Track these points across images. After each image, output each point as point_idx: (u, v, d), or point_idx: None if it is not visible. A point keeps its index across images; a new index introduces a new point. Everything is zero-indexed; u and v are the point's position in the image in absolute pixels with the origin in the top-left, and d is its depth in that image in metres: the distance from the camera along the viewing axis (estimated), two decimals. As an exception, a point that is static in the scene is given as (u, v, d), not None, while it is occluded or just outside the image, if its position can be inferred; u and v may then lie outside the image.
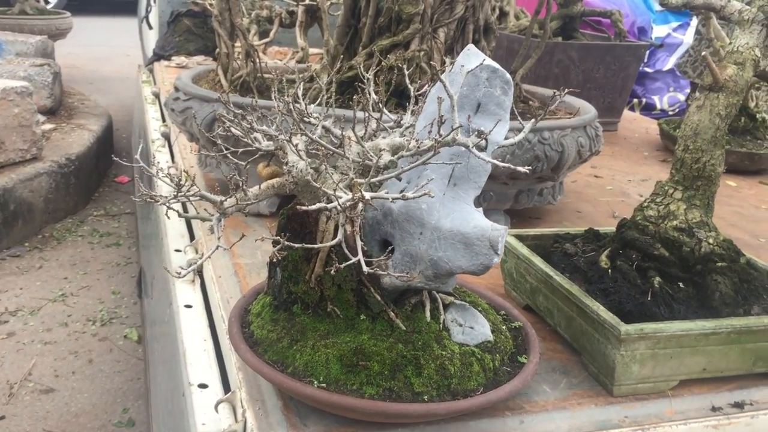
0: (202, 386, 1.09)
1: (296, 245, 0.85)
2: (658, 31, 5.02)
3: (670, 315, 1.07)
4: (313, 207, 0.80)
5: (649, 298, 1.10)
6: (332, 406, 0.87)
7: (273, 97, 0.98)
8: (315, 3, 3.05)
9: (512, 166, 0.86)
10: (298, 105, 0.96)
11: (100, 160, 4.06)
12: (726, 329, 1.03)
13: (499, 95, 0.94)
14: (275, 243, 0.85)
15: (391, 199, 0.80)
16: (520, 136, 0.91)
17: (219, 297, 1.27)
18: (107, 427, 2.19)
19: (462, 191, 0.94)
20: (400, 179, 0.92)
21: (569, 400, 1.01)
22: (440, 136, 0.84)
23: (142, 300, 2.58)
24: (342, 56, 1.76)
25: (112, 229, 3.64)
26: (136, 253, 3.27)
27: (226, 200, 0.87)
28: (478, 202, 0.96)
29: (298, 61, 3.11)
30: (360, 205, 0.84)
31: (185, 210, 1.61)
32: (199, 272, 1.45)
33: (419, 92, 1.01)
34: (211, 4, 2.41)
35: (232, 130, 0.96)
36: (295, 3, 3.18)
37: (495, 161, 0.86)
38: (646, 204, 1.22)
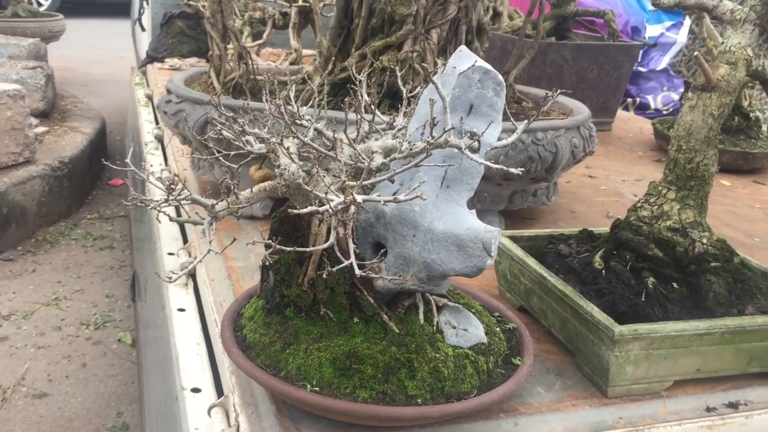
0: (195, 390, 1.09)
1: (288, 248, 0.85)
2: (652, 31, 5.03)
3: (664, 315, 1.07)
4: (305, 210, 0.79)
5: (643, 299, 1.09)
6: (325, 410, 0.86)
7: (264, 100, 0.97)
8: (308, 4, 3.05)
9: (505, 168, 0.86)
10: (289, 107, 0.95)
11: (94, 162, 4.04)
12: (720, 329, 1.02)
13: (492, 96, 0.93)
14: (267, 246, 0.85)
15: (383, 202, 0.80)
16: (513, 137, 0.91)
17: (212, 300, 1.27)
18: (101, 432, 2.18)
19: (455, 193, 0.94)
20: (392, 181, 0.91)
21: (564, 401, 1.01)
22: (432, 137, 0.83)
23: (136, 303, 2.57)
24: (335, 58, 1.75)
25: (106, 232, 3.63)
26: (130, 256, 3.26)
27: (217, 204, 0.86)
28: (471, 204, 0.96)
29: (292, 63, 3.11)
30: (352, 208, 0.83)
31: (178, 213, 1.60)
32: (192, 275, 1.44)
33: (412, 94, 1.01)
34: (203, 6, 2.40)
35: (224, 132, 0.95)
36: (288, 4, 3.17)
37: (488, 163, 0.86)
38: (639, 204, 1.22)
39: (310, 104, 1.03)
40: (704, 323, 1.02)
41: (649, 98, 4.98)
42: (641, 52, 4.76)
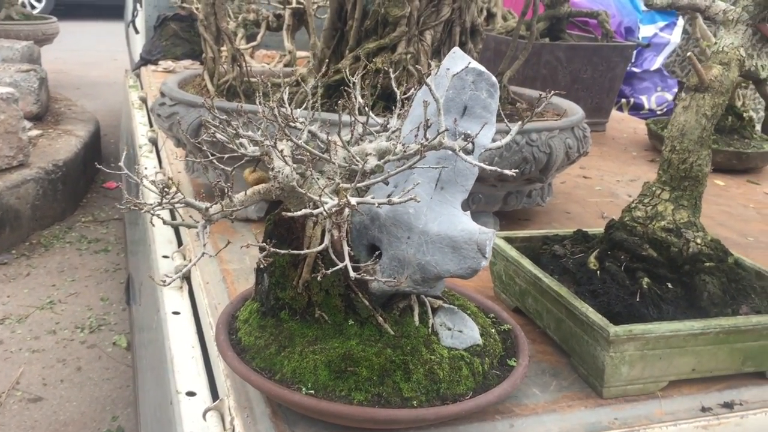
0: (190, 394, 1.08)
1: (283, 251, 0.84)
2: (645, 31, 5.04)
3: (659, 316, 1.07)
4: (299, 213, 0.79)
5: (637, 299, 1.09)
6: (321, 412, 0.86)
7: (258, 102, 0.97)
8: (302, 6, 3.04)
9: (499, 169, 0.86)
10: (283, 110, 0.95)
11: (88, 165, 4.03)
12: (714, 329, 1.03)
13: (485, 98, 0.93)
14: (262, 249, 0.85)
15: (377, 204, 0.80)
16: (507, 138, 0.91)
17: (207, 303, 1.26)
18: (97, 436, 2.17)
19: (449, 195, 0.93)
20: (387, 183, 0.91)
21: (559, 402, 1.01)
22: (426, 139, 0.83)
23: (131, 306, 2.56)
24: (328, 59, 1.75)
25: (101, 235, 3.62)
26: (125, 259, 3.25)
27: (211, 207, 0.86)
28: (466, 205, 0.96)
29: (286, 65, 3.11)
30: (346, 211, 0.83)
31: (173, 216, 1.60)
32: (187, 278, 1.44)
33: (406, 95, 1.01)
34: (197, 8, 2.40)
35: (218, 135, 0.95)
36: (282, 6, 3.17)
37: (482, 164, 0.86)
38: (633, 205, 1.22)
39: (303, 106, 1.03)
40: (699, 323, 1.03)
41: (643, 98, 5.00)
42: (635, 52, 4.77)
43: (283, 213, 0.87)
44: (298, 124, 0.96)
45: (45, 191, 3.47)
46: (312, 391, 0.86)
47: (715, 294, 1.11)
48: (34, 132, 3.88)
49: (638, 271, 1.15)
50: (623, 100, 4.97)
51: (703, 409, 1.02)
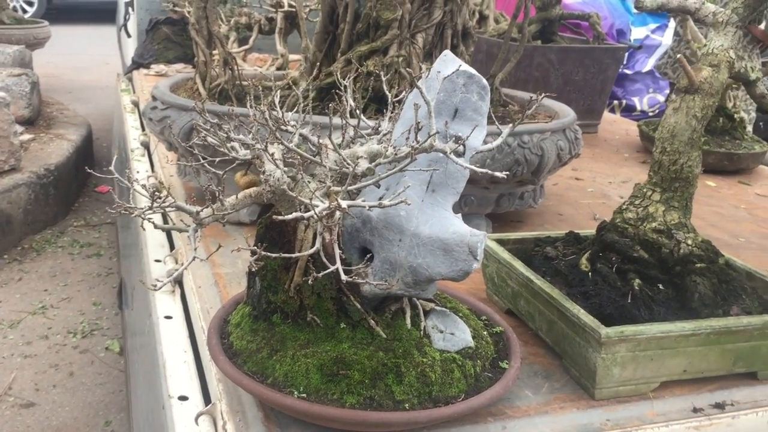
0: (182, 398, 1.08)
1: (273, 255, 0.84)
2: (637, 33, 5.06)
3: (650, 317, 1.08)
4: (289, 216, 0.79)
5: (629, 301, 1.10)
6: (313, 416, 0.86)
7: (248, 106, 0.97)
8: (294, 9, 3.05)
9: (490, 172, 0.86)
10: (274, 113, 0.95)
11: (80, 170, 4.01)
12: (705, 330, 1.03)
13: (476, 101, 0.94)
14: (253, 253, 0.84)
15: (367, 207, 0.80)
16: (498, 141, 0.91)
17: (199, 307, 1.26)
18: (89, 441, 2.16)
19: (440, 197, 0.94)
20: (378, 186, 0.91)
21: (551, 404, 1.01)
22: (417, 142, 0.83)
23: (123, 311, 2.55)
24: (320, 63, 1.75)
25: (93, 239, 3.61)
26: (117, 263, 3.24)
27: (202, 211, 0.86)
28: (459, 207, 0.96)
29: (278, 68, 3.11)
30: (337, 214, 0.83)
31: (165, 220, 1.59)
32: (179, 282, 1.43)
33: (397, 98, 1.01)
34: (189, 12, 2.40)
35: (209, 139, 0.95)
36: (274, 9, 3.17)
37: (473, 167, 0.86)
38: (625, 206, 1.23)
39: (295, 110, 1.03)
40: (690, 324, 1.03)
41: (635, 100, 5.01)
42: (627, 54, 4.79)
43: (274, 216, 0.87)
44: (289, 128, 0.96)
45: (37, 196, 3.46)
46: (304, 395, 0.86)
47: (706, 295, 1.11)
48: (26, 136, 3.86)
49: (629, 272, 1.15)
50: (615, 102, 4.99)
51: (695, 410, 1.02)
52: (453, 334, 0.97)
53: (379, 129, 0.98)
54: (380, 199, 0.88)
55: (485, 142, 0.95)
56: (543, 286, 1.12)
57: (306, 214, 0.80)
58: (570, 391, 1.04)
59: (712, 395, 1.06)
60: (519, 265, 1.20)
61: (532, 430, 0.95)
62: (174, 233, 1.65)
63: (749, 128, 3.12)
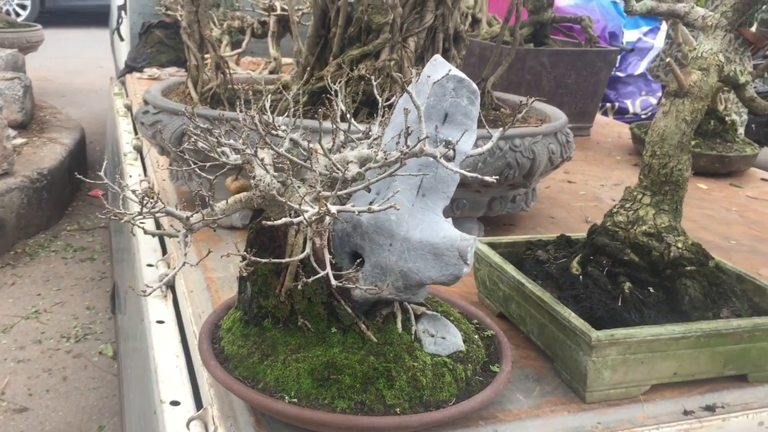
0: (174, 403, 1.08)
1: (264, 260, 0.84)
2: (629, 36, 5.08)
3: (641, 320, 1.08)
4: (279, 221, 0.79)
5: (619, 304, 1.10)
6: (304, 421, 0.86)
7: (238, 110, 0.97)
8: (287, 13, 3.05)
9: (480, 176, 0.86)
10: (264, 117, 0.95)
11: (73, 174, 4.00)
12: (696, 333, 1.03)
13: (466, 105, 0.94)
14: (243, 258, 0.84)
15: (357, 212, 0.80)
16: (489, 144, 0.92)
17: (191, 312, 1.26)
18: (82, 446, 2.16)
19: (431, 202, 0.94)
20: (369, 191, 0.91)
21: (542, 407, 1.01)
22: (407, 147, 0.84)
23: (116, 315, 2.55)
24: (312, 67, 1.75)
25: (86, 243, 3.60)
26: (110, 267, 3.23)
27: (192, 216, 0.86)
28: (450, 211, 0.96)
29: (271, 71, 3.11)
30: (327, 219, 0.83)
31: (158, 225, 1.59)
32: (172, 287, 1.43)
33: (388, 103, 1.01)
34: (181, 16, 2.39)
35: (199, 144, 0.95)
36: (266, 13, 3.17)
37: (463, 171, 0.87)
38: (615, 210, 1.23)
39: (286, 114, 1.03)
40: (680, 327, 1.03)
41: (628, 103, 5.03)
42: (619, 57, 4.80)
43: (264, 222, 0.87)
44: (280, 132, 0.96)
45: (30, 200, 3.45)
46: (295, 400, 0.86)
47: (696, 298, 1.12)
48: (19, 140, 3.85)
49: (620, 275, 1.15)
50: (608, 105, 5.01)
51: (686, 413, 1.03)
52: (444, 338, 0.97)
53: (370, 133, 0.98)
54: (370, 203, 0.88)
55: (477, 146, 0.95)
56: (534, 289, 1.12)
57: (296, 219, 0.80)
58: (561, 395, 1.04)
59: (703, 398, 1.06)
60: (510, 269, 1.20)
61: (523, 433, 0.96)
62: (167, 238, 1.65)
63: (741, 131, 3.13)
